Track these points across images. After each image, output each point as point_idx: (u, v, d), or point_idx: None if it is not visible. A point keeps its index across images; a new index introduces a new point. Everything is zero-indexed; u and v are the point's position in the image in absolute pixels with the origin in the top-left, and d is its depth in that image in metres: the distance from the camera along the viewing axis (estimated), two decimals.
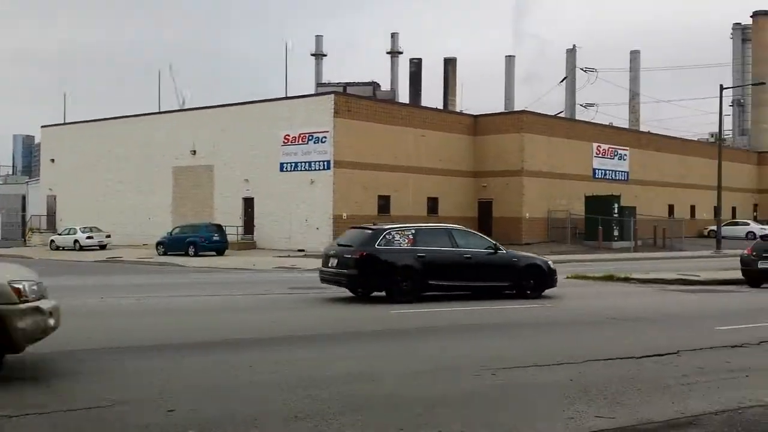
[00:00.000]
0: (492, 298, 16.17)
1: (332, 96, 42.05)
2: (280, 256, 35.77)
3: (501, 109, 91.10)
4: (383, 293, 15.85)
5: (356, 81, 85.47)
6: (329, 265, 16.18)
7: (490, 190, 47.26)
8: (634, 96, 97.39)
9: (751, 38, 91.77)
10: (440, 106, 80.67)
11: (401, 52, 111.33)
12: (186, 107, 60.36)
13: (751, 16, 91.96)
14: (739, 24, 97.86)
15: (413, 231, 16.18)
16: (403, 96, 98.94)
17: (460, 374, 8.25)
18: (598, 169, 52.14)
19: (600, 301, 16.80)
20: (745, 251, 22.04)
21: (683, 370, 8.64)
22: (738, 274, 21.82)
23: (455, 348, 10.07)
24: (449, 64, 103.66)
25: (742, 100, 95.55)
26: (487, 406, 6.93)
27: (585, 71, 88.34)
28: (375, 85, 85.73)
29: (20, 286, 7.65)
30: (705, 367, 8.82)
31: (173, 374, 8.12)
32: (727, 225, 54.45)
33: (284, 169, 42.40)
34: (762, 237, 23.26)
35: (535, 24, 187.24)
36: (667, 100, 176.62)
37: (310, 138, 41.07)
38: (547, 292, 17.13)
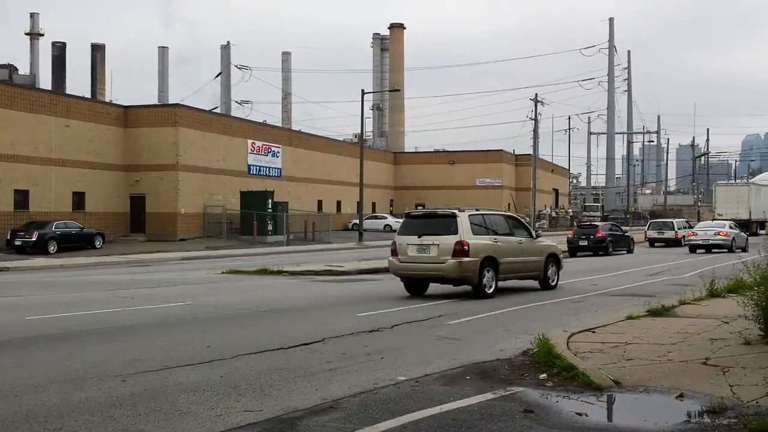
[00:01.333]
0: None
1: None
2: None
3: (156, 100, 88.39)
4: None
5: None
6: None
7: (143, 184, 45.52)
8: (286, 96, 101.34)
9: (389, 48, 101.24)
10: (88, 95, 75.57)
11: (42, 34, 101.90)
12: None
13: (388, 28, 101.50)
14: (378, 34, 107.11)
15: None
16: (46, 82, 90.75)
17: (85, 383, 7.78)
18: (253, 165, 53.26)
19: (253, 294, 17.14)
20: (570, 234, 36.63)
21: (327, 356, 9.18)
22: (376, 264, 24.35)
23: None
24: (97, 50, 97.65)
25: (381, 105, 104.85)
26: (131, 414, 6.62)
27: (240, 68, 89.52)
28: (11, 69, 77.32)
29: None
30: (347, 352, 9.48)
31: None
32: (368, 219, 59.57)
33: None
34: (579, 225, 37.89)
35: (186, 10, 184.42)
36: (316, 102, 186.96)
37: None
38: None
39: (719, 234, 35.94)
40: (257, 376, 8.04)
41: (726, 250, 34.75)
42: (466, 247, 15.43)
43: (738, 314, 10.57)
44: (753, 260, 11.17)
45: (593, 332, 10.55)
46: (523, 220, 19.62)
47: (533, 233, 18.03)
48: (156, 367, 8.45)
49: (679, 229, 42.06)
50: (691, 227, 42.03)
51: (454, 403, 6.84)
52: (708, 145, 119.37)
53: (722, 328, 10.55)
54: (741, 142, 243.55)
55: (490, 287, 15.85)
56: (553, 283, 17.85)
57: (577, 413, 6.57)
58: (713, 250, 35.40)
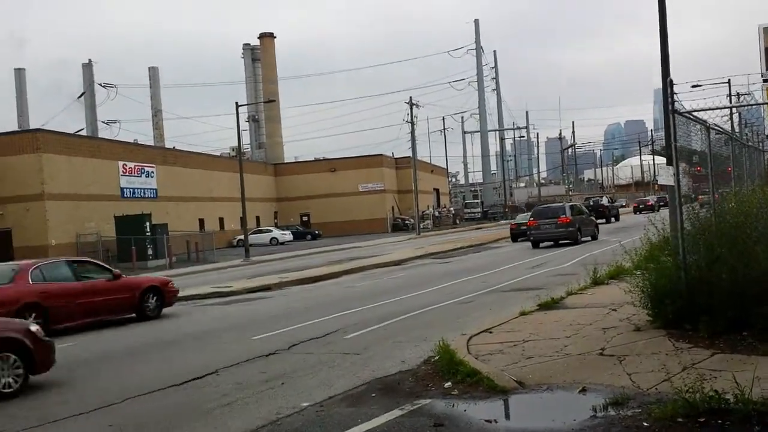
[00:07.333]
0: None
1: None
2: None
3: (14, 127, 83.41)
4: None
5: None
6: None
7: (7, 218, 42.64)
8: (156, 112, 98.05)
9: (260, 58, 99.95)
10: None
11: None
12: None
13: (258, 38, 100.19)
14: (248, 44, 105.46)
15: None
16: None
17: None
18: (127, 188, 51.12)
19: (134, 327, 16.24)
20: (510, 226, 40.53)
21: (222, 389, 8.69)
22: (266, 281, 23.96)
23: None
24: None
25: (256, 116, 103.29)
26: None
27: (104, 87, 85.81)
28: None
29: None
30: (243, 382, 9.00)
31: None
32: (253, 233, 58.41)
33: None
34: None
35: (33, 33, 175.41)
36: (190, 117, 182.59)
37: None
38: None
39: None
40: (150, 419, 7.49)
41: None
42: None
43: (624, 301, 10.89)
44: (631, 242, 11.56)
45: (490, 333, 10.58)
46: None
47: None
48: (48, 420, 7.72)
49: None
50: None
51: (363, 425, 6.61)
52: (574, 137, 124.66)
53: (611, 316, 10.83)
54: (603, 131, 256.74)
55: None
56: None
57: (486, 420, 6.49)
58: None
